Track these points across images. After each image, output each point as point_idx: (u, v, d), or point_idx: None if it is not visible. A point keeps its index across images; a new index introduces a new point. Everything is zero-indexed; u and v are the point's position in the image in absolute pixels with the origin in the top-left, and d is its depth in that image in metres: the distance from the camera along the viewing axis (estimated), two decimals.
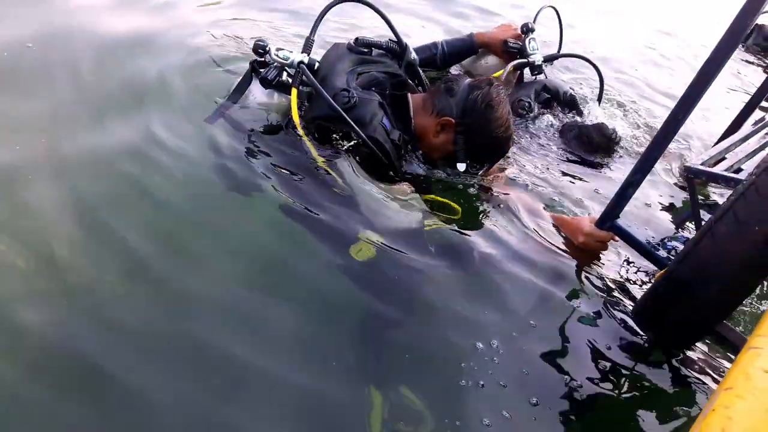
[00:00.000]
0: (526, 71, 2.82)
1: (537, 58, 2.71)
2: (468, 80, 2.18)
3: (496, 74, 2.66)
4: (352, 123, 1.95)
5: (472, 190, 2.22)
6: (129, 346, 1.48)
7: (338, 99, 1.98)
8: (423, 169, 2.23)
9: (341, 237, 1.87)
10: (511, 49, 2.72)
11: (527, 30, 2.72)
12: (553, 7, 3.03)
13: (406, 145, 2.14)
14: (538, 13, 2.95)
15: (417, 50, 2.55)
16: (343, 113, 1.94)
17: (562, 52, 2.96)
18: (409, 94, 2.17)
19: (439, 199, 2.09)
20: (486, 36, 2.79)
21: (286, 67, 2.10)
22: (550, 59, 2.86)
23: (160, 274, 1.67)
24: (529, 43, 2.71)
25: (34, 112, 2.13)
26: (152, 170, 1.99)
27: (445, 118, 2.10)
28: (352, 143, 2.04)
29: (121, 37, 2.74)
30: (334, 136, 2.06)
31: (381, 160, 2.02)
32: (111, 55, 2.58)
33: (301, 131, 2.02)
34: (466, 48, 2.79)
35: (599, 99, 2.94)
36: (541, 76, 2.79)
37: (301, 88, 2.08)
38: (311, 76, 2.01)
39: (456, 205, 2.07)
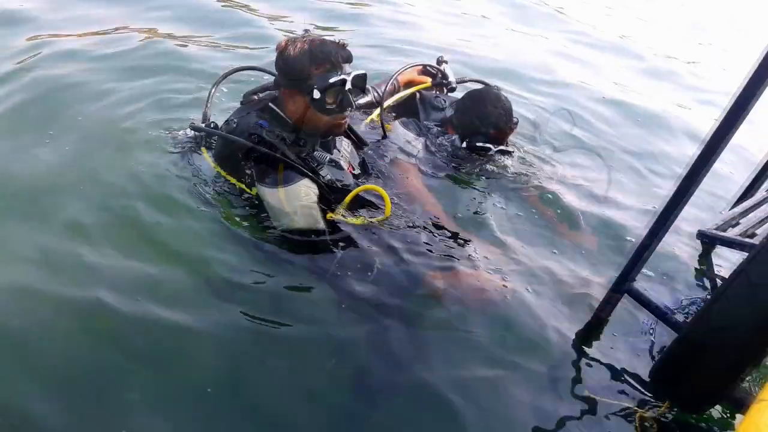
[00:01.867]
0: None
1: (452, 80, 3.03)
2: None
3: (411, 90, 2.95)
4: (232, 136, 2.13)
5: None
6: None
7: (228, 127, 2.21)
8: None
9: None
10: (430, 71, 3.05)
11: (441, 62, 3.06)
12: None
13: (292, 137, 2.18)
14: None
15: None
16: (226, 134, 2.17)
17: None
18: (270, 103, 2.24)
19: (369, 187, 2.17)
20: (407, 74, 3.02)
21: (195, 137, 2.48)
22: (462, 81, 3.10)
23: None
24: (445, 69, 3.03)
25: None
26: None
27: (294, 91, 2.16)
28: (254, 159, 2.13)
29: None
30: (243, 164, 2.18)
31: (281, 159, 2.07)
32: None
33: (212, 163, 2.30)
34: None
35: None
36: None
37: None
38: (197, 124, 2.37)
39: (386, 196, 2.09)
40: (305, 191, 2.08)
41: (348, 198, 2.13)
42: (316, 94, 2.07)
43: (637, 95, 4.83)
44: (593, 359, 1.98)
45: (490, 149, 2.61)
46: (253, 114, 2.19)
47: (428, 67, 3.07)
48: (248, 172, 2.17)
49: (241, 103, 2.35)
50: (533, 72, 4.73)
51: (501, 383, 1.83)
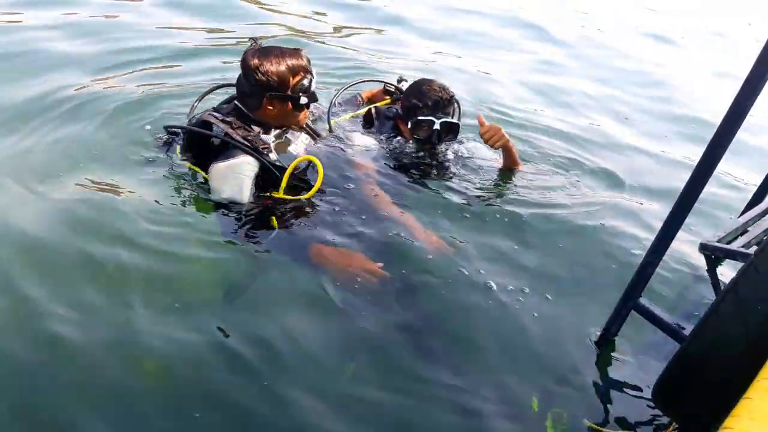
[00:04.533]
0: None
1: None
2: None
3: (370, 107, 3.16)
4: (195, 128, 2.45)
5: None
6: None
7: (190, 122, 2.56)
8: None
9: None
10: (388, 89, 3.32)
11: (401, 80, 3.32)
12: None
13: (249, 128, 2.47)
14: None
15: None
16: (188, 126, 2.51)
17: None
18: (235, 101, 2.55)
19: (306, 157, 2.41)
20: (371, 92, 3.45)
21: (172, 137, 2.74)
22: None
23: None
24: (404, 88, 3.17)
25: None
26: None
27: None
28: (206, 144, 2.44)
29: None
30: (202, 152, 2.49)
31: (225, 140, 2.36)
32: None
33: (179, 157, 2.60)
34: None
35: None
36: None
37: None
38: (168, 124, 2.71)
39: (319, 166, 2.30)
40: (243, 166, 2.36)
41: (290, 168, 2.36)
42: (303, 100, 2.47)
43: None
44: (601, 376, 1.97)
45: (433, 122, 2.80)
46: (208, 110, 2.50)
47: (387, 86, 3.34)
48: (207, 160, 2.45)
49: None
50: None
51: (499, 395, 1.86)
